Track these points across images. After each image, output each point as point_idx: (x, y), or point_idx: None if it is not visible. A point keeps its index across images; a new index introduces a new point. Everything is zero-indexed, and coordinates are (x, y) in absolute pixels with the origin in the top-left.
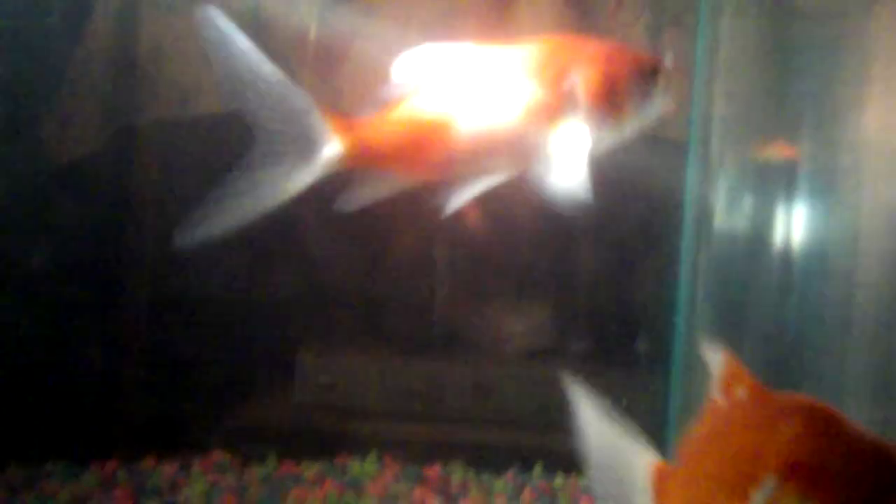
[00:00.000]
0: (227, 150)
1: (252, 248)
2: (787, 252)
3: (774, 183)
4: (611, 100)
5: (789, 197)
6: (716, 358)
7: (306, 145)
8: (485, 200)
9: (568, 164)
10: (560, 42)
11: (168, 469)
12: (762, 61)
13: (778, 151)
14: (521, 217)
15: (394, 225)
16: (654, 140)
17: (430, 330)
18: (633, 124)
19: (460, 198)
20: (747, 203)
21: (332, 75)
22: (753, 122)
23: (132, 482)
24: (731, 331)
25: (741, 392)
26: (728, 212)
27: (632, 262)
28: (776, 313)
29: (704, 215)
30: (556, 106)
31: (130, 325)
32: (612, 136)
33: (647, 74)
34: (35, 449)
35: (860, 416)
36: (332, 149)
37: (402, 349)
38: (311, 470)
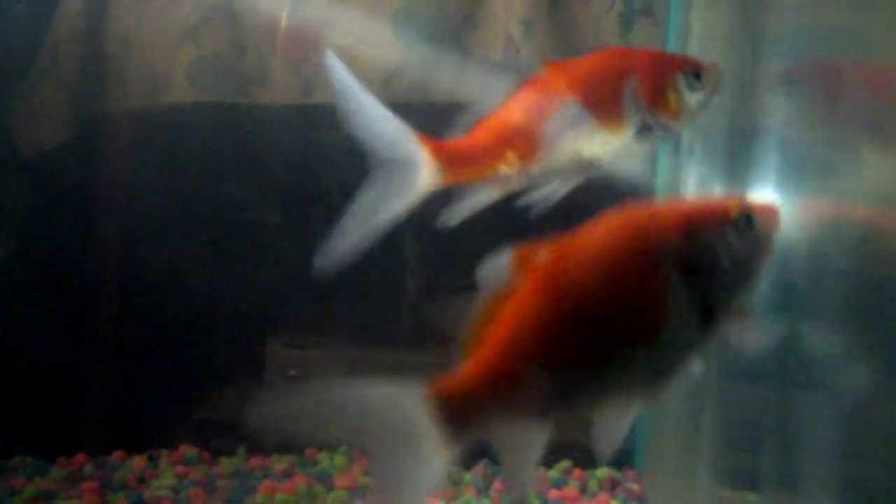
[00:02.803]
0: (195, 140)
1: (220, 240)
2: None
3: (743, 173)
4: (664, 98)
5: (757, 187)
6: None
7: (408, 169)
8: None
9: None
10: (614, 52)
11: (136, 463)
12: (732, 51)
13: (747, 141)
14: (488, 208)
15: None
16: None
17: (400, 321)
18: (685, 118)
19: (544, 200)
20: (716, 194)
21: (304, 63)
22: (723, 112)
23: (99, 476)
24: None
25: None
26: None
27: None
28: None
29: None
30: (620, 109)
31: (97, 318)
32: (668, 131)
33: (692, 73)
34: (1, 444)
35: (828, 403)
36: (429, 169)
37: (372, 341)
38: (280, 463)
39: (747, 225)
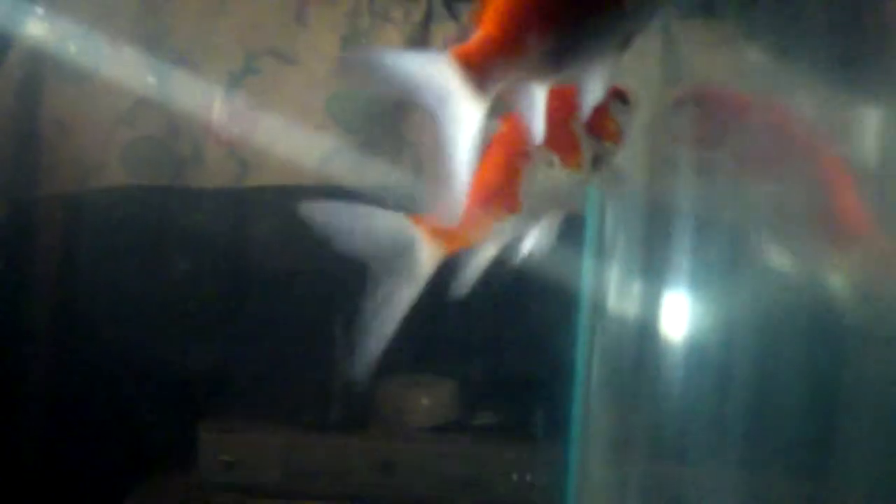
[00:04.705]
0: (128, 225)
1: (151, 323)
2: (669, 341)
3: (659, 267)
4: (607, 127)
5: (672, 284)
6: None
7: (408, 253)
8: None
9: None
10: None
11: None
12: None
13: (665, 233)
14: (421, 295)
15: (293, 298)
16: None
17: (332, 405)
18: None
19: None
20: (636, 287)
21: (239, 146)
22: (639, 202)
23: None
24: (622, 416)
25: None
26: (620, 295)
27: (532, 340)
28: (660, 402)
29: (599, 297)
30: (577, 144)
31: (23, 405)
32: (613, 154)
33: (620, 99)
34: None
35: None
36: (429, 248)
37: (303, 425)
38: None
39: None
